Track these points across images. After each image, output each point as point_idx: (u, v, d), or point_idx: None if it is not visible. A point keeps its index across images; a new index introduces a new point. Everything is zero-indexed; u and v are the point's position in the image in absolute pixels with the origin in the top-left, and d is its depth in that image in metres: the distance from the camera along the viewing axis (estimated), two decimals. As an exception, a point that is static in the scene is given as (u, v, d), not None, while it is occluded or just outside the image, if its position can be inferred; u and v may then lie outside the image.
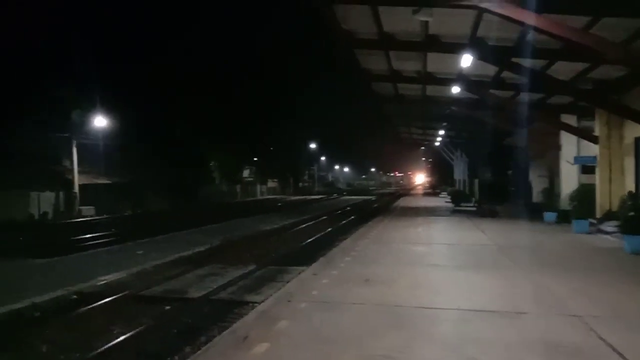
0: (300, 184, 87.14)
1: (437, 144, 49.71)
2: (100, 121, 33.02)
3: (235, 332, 5.44)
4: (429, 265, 9.60)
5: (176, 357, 5.93)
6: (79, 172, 31.80)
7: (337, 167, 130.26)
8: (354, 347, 4.84)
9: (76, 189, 31.09)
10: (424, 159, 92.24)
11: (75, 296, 8.49)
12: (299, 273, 9.29)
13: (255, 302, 7.69)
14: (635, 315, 6.06)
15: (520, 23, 9.95)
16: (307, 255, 12.58)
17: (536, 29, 10.03)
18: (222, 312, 7.75)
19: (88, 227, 22.61)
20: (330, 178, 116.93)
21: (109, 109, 33.33)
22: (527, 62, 13.61)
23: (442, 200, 34.46)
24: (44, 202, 29.24)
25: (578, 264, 9.78)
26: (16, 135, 28.56)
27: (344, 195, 65.81)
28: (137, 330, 6.84)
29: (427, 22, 11.44)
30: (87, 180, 33.07)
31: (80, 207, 30.82)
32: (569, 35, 9.74)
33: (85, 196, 31.40)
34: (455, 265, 9.55)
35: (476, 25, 11.74)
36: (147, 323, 7.24)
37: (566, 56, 12.60)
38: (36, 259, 12.16)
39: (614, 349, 4.73)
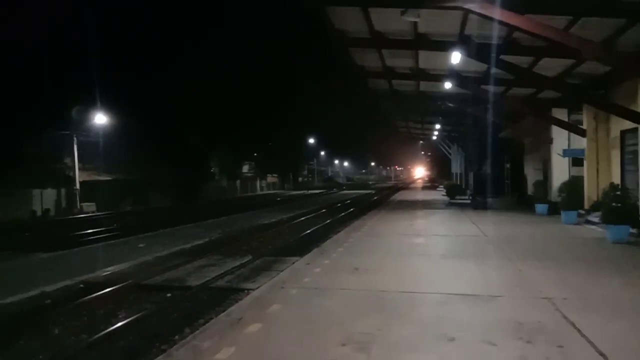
0: (300, 179, 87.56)
1: (434, 138, 50.11)
2: (100, 118, 33.45)
3: (230, 314, 5.92)
4: (416, 255, 10.06)
5: (177, 337, 6.41)
6: (80, 169, 32.27)
7: (336, 161, 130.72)
8: (336, 326, 5.33)
9: (77, 185, 31.57)
10: (422, 152, 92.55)
11: (82, 285, 9.01)
12: (293, 263, 9.74)
13: (251, 289, 8.15)
14: (598, 297, 6.56)
15: (503, 23, 10.35)
16: (302, 247, 13.06)
17: (518, 29, 10.44)
18: (219, 298, 8.23)
19: (90, 223, 23.09)
20: (329, 172, 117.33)
21: (110, 106, 33.78)
22: (513, 59, 13.98)
23: (439, 194, 34.91)
24: (46, 199, 29.76)
25: (560, 253, 10.22)
26: (18, 134, 29.02)
27: (344, 189, 66.21)
28: (141, 314, 7.34)
29: (415, 21, 11.80)
30: (88, 177, 33.57)
31: (82, 204, 31.33)
32: (549, 34, 10.12)
33: (86, 193, 31.88)
34: (441, 255, 9.99)
35: (463, 24, 12.08)
36: (149, 308, 7.74)
37: (551, 53, 12.93)
38: (42, 253, 12.65)
39: (574, 326, 5.23)
